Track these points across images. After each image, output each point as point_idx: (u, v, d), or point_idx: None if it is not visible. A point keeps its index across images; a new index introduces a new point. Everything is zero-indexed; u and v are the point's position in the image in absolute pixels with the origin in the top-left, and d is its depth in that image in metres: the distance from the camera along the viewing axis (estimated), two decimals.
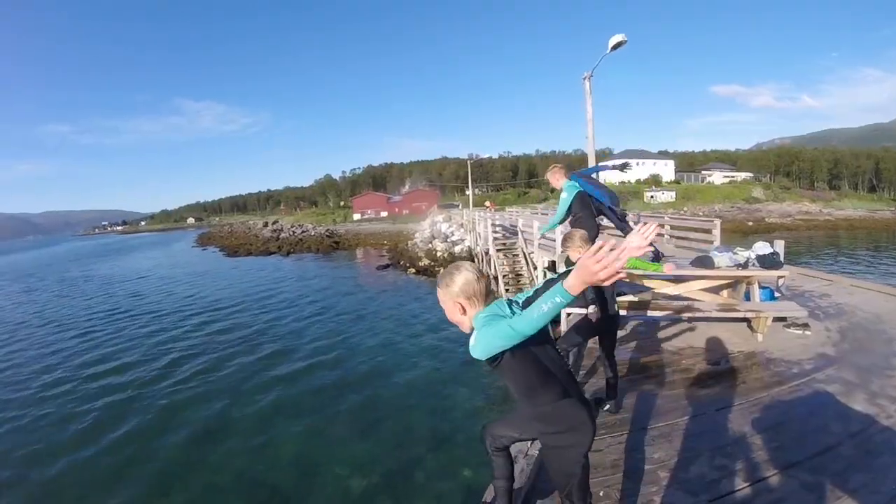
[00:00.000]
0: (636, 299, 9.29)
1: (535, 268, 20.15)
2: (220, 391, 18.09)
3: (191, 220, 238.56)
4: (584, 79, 14.79)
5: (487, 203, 63.55)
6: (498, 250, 24.30)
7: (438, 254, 42.31)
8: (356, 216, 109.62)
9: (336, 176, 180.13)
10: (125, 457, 14.14)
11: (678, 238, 17.26)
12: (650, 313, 8.90)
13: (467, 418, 13.85)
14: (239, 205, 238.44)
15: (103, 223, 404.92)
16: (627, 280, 9.90)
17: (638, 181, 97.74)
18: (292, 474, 11.71)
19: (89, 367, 24.21)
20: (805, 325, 8.73)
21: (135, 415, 17.50)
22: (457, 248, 40.78)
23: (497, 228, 27.62)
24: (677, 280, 9.35)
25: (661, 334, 9.27)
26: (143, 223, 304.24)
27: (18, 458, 15.47)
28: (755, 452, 5.03)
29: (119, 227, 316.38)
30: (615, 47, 13.40)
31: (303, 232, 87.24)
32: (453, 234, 45.04)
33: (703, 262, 9.13)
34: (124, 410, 18.10)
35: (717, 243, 13.67)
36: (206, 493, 11.84)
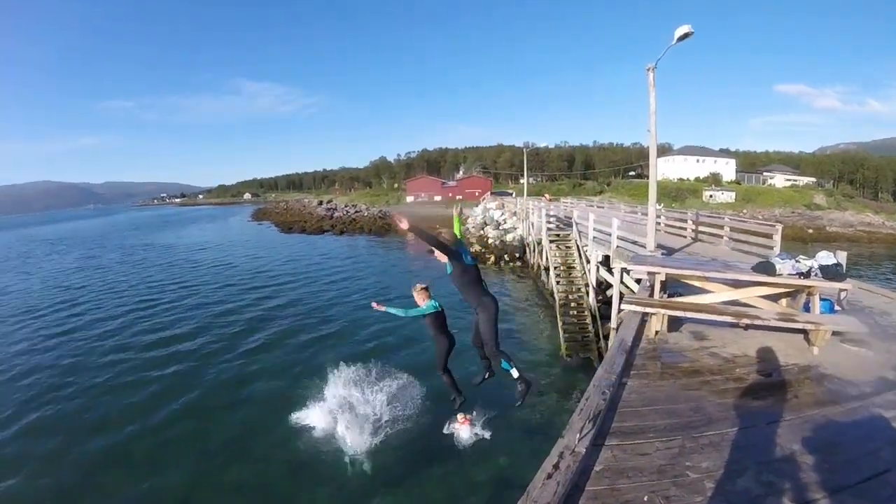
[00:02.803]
0: (693, 301, 9.30)
1: (588, 261, 20.16)
2: (276, 367, 18.84)
3: (247, 196, 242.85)
4: (648, 70, 14.58)
5: (547, 195, 63.03)
6: (551, 241, 24.24)
7: (490, 241, 42.53)
8: (409, 199, 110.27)
9: (391, 158, 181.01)
10: (185, 428, 14.98)
11: (737, 241, 17.02)
12: (707, 317, 8.83)
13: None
14: (294, 183, 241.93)
15: (162, 195, 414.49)
16: (682, 281, 9.96)
17: (697, 179, 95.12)
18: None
19: (147, 335, 25.39)
20: (864, 343, 8.37)
21: (193, 387, 18.37)
22: (508, 237, 40.91)
23: (551, 219, 27.61)
24: (737, 285, 9.24)
25: (717, 339, 9.10)
26: (200, 196, 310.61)
27: (83, 423, 16.50)
28: (803, 472, 4.87)
29: (177, 200, 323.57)
30: (681, 38, 13.19)
31: (356, 212, 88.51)
32: (505, 222, 45.18)
33: (765, 268, 8.96)
34: (182, 381, 18.99)
35: (777, 249, 13.50)
36: (264, 469, 12.52)
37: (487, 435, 12.84)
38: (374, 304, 6.89)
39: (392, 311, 7.96)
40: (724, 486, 4.68)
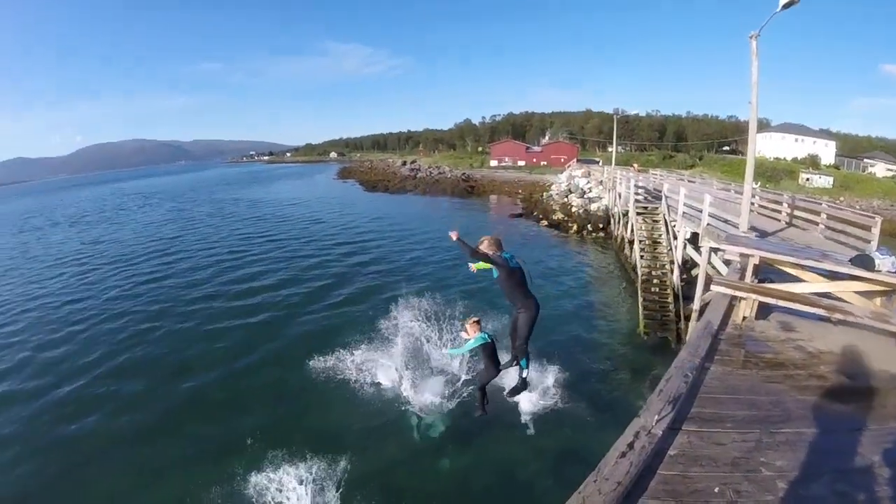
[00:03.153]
0: (785, 289, 8.90)
1: (675, 237, 19.66)
2: (357, 323, 19.29)
3: (333, 155, 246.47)
4: (751, 38, 13.79)
5: (636, 165, 61.19)
6: (638, 213, 23.57)
7: (573, 209, 41.92)
8: (493, 163, 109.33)
9: (476, 121, 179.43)
10: (265, 376, 15.90)
11: (832, 230, 16.12)
12: (797, 307, 8.44)
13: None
14: (379, 143, 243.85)
15: (251, 153, 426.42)
16: (775, 268, 9.66)
17: (795, 160, 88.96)
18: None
19: (234, 285, 26.82)
20: None
21: (275, 337, 19.35)
22: (593, 206, 40.22)
23: (639, 190, 26.86)
24: (832, 276, 8.79)
25: (804, 332, 8.64)
26: (288, 154, 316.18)
27: (168, 366, 17.61)
28: (879, 486, 4.62)
29: (265, 157, 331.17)
30: (786, 6, 12.43)
31: (439, 173, 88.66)
32: (591, 191, 44.24)
33: (864, 261, 8.46)
34: (266, 331, 19.99)
35: (874, 243, 12.69)
36: (338, 419, 13.20)
37: (555, 404, 13.12)
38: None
39: (450, 351, 9.75)
40: (798, 488, 4.58)
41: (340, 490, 10.19)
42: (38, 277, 32.87)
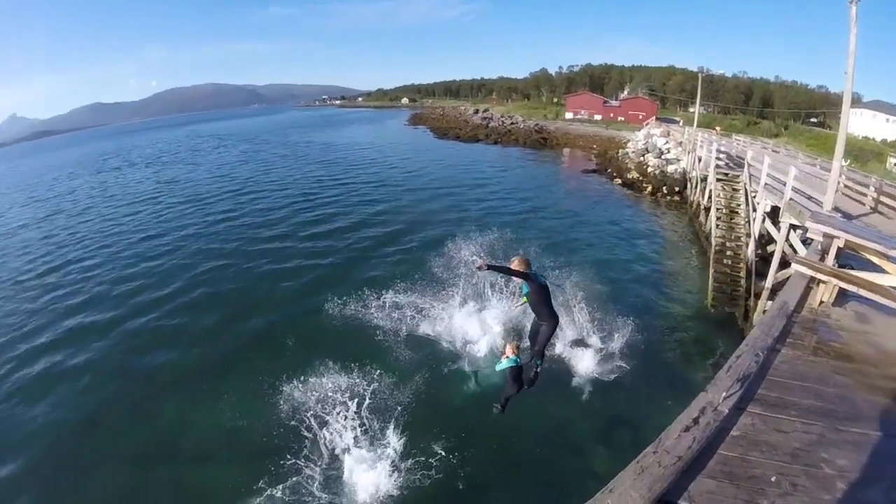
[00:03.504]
0: (869, 279, 8.47)
1: (754, 209, 19.03)
2: (423, 273, 19.53)
3: (405, 101, 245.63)
4: (851, 2, 12.90)
5: (718, 128, 58.73)
6: (718, 180, 22.67)
7: (649, 169, 40.88)
8: (568, 115, 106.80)
9: (552, 71, 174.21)
10: (332, 318, 16.28)
11: None
12: (878, 299, 8.07)
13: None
14: (451, 90, 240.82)
15: (323, 97, 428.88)
16: (857, 254, 9.34)
17: (884, 141, 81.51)
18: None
19: (305, 227, 27.82)
20: None
21: (343, 280, 19.86)
22: (670, 168, 39.04)
23: (721, 156, 25.84)
24: None
25: (881, 327, 8.28)
26: (360, 99, 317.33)
27: (238, 304, 18.61)
28: None
29: (337, 101, 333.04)
30: None
31: (512, 123, 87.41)
32: (669, 152, 42.86)
33: None
34: (334, 274, 20.66)
35: None
36: (400, 368, 13.73)
37: (614, 369, 13.30)
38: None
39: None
40: (856, 491, 4.51)
41: (399, 427, 10.88)
42: (116, 215, 34.99)
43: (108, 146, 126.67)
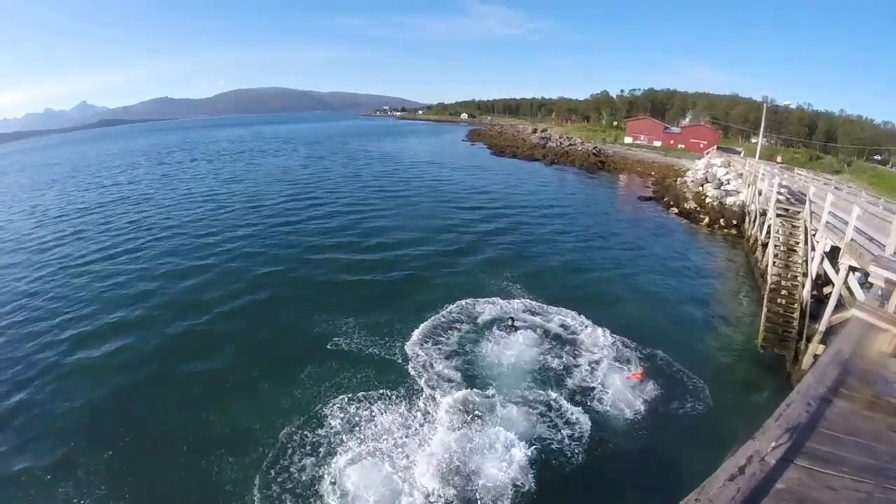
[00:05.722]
0: None
1: (813, 248, 18.39)
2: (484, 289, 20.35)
3: (464, 116, 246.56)
4: None
5: (779, 158, 57.12)
6: (778, 215, 21.88)
7: (707, 200, 40.04)
8: (627, 139, 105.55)
9: (613, 94, 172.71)
10: (384, 330, 17.00)
11: None
12: None
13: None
14: (511, 108, 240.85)
15: (384, 107, 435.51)
16: None
17: None
18: None
19: (361, 238, 28.54)
20: None
21: (401, 296, 20.30)
22: (729, 200, 38.13)
23: (782, 190, 25.12)
24: None
25: None
26: (420, 112, 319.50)
27: (300, 308, 19.11)
28: None
29: (398, 113, 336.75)
30: None
31: (570, 145, 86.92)
32: (729, 183, 41.89)
33: None
34: (391, 290, 20.91)
35: None
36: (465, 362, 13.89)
37: (656, 407, 13.04)
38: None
39: None
40: None
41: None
42: (174, 208, 36.59)
43: (173, 139, 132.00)
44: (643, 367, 14.23)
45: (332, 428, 11.90)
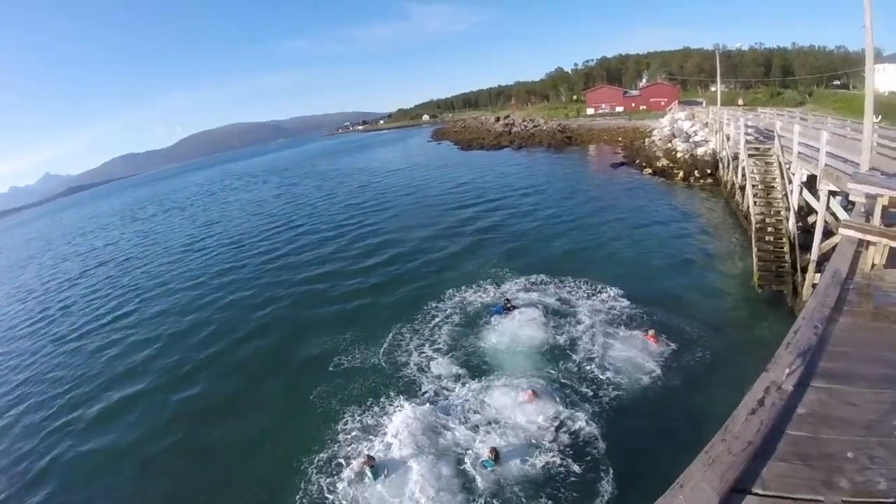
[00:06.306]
0: None
1: (790, 181, 18.53)
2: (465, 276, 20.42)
3: (425, 118, 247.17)
4: None
5: (740, 101, 57.58)
6: (750, 155, 21.95)
7: (679, 154, 40.25)
8: (589, 111, 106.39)
9: (568, 69, 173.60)
10: (384, 323, 17.35)
11: None
12: None
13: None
14: (470, 101, 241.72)
15: (345, 124, 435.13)
16: None
17: None
18: None
19: (344, 250, 28.97)
20: None
21: (393, 295, 20.46)
22: (699, 150, 38.39)
23: (749, 130, 25.16)
24: None
25: None
26: (381, 122, 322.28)
27: (300, 328, 19.26)
28: None
29: (360, 127, 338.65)
30: None
31: (534, 126, 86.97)
32: (696, 135, 42.18)
33: None
34: (395, 311, 20.62)
35: None
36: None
37: (665, 358, 13.14)
38: None
39: None
40: None
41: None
42: (155, 263, 36.20)
43: (143, 193, 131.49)
44: (654, 329, 14.22)
45: (348, 442, 11.91)
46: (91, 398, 17.73)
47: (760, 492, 4.04)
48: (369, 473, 10.44)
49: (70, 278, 38.20)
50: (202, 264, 32.51)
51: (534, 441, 10.93)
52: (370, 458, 10.62)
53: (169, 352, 20.11)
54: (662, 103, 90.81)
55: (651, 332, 14.18)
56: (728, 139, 29.65)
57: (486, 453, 10.30)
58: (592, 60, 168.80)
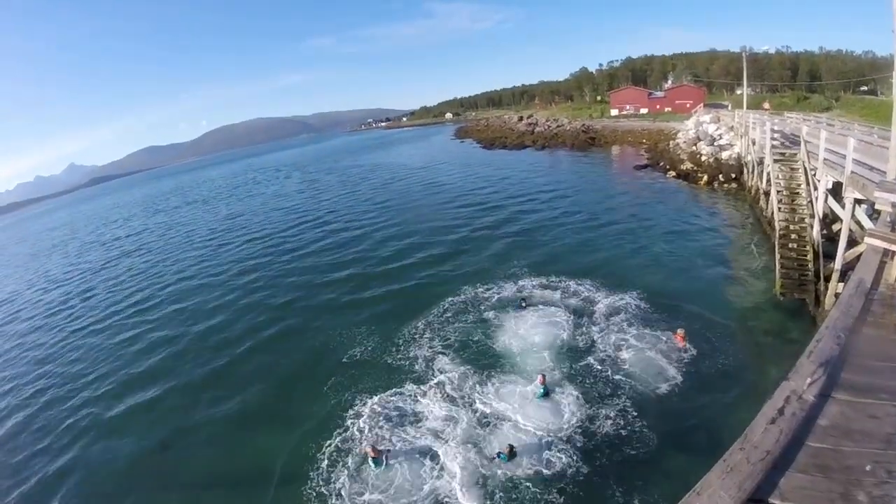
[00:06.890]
0: None
1: (816, 188, 18.24)
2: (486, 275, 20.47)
3: (448, 116, 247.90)
4: None
5: (766, 104, 57.00)
6: (775, 161, 21.56)
7: (703, 158, 39.87)
8: (613, 112, 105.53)
9: (593, 69, 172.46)
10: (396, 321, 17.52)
11: None
12: None
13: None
14: (494, 100, 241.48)
15: (368, 120, 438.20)
16: None
17: None
18: None
19: (365, 247, 29.09)
20: None
21: (421, 293, 20.51)
22: (724, 154, 37.98)
23: (776, 135, 24.83)
24: None
25: None
26: (404, 119, 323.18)
27: (304, 330, 19.32)
28: None
29: (383, 124, 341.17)
30: None
31: (558, 126, 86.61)
32: (721, 138, 41.67)
33: None
34: (410, 288, 20.89)
35: None
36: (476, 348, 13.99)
37: (685, 365, 13.06)
38: None
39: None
40: None
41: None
42: (177, 254, 36.94)
43: (166, 186, 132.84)
44: (683, 329, 14.17)
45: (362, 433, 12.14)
46: (103, 380, 18.42)
47: (778, 502, 4.01)
48: (372, 463, 10.75)
49: (91, 267, 38.99)
50: (222, 257, 32.94)
51: (547, 440, 11.04)
52: (374, 447, 10.87)
53: (180, 339, 20.80)
54: (688, 105, 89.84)
55: (680, 331, 14.11)
56: (754, 143, 29.28)
57: (502, 448, 10.49)
58: (617, 61, 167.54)
